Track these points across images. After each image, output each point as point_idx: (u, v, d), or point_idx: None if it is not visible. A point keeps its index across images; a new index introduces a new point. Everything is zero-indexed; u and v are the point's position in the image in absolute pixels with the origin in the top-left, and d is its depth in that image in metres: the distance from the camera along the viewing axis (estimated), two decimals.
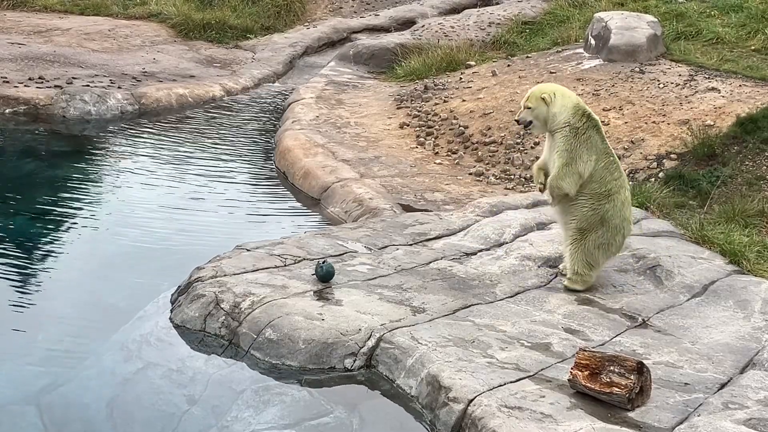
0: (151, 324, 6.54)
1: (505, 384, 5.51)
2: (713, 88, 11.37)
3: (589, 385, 5.38)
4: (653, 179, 9.80)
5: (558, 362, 5.86)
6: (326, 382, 5.84)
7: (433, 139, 11.52)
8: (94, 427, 5.78)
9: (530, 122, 6.99)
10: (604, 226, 6.89)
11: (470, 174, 10.45)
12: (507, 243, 7.81)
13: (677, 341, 6.32)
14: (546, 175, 6.99)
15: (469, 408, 5.30)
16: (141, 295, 7.17)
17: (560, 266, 7.30)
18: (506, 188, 10.03)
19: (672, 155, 10.15)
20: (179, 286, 6.83)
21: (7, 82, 12.64)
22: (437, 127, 11.82)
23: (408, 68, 14.91)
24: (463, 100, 12.37)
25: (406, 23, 18.36)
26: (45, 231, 8.66)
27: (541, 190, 7.11)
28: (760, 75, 11.78)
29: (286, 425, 5.46)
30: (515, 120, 7.17)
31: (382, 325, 6.13)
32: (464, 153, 11.09)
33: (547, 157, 7.02)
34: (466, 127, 11.57)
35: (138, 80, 13.66)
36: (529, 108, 6.92)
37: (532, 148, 10.78)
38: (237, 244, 7.48)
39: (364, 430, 5.45)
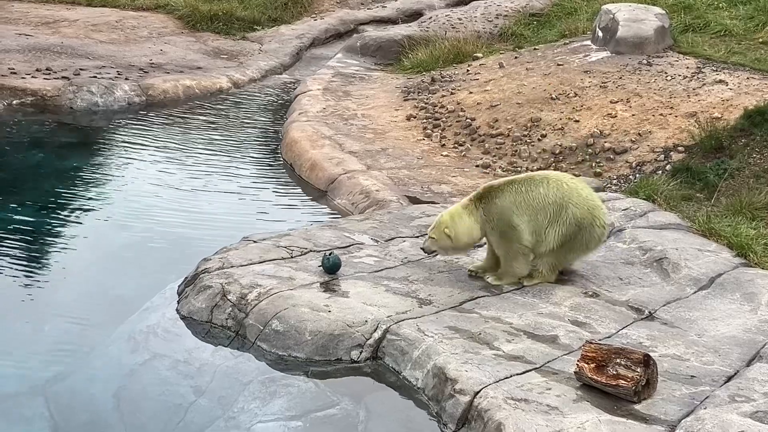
0: (158, 315, 6.56)
1: (511, 376, 5.51)
2: (721, 81, 11.34)
3: (595, 377, 5.38)
4: (660, 172, 9.78)
5: (564, 354, 5.86)
6: (332, 374, 5.85)
7: (440, 131, 11.52)
8: (101, 417, 5.80)
9: (435, 251, 6.94)
10: (581, 230, 6.83)
11: (477, 166, 10.44)
12: None
13: (684, 334, 6.31)
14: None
15: (475, 400, 5.30)
16: (148, 286, 7.19)
17: (470, 268, 7.18)
18: None
19: (679, 148, 10.13)
20: (186, 278, 6.85)
21: (15, 73, 12.65)
22: (444, 119, 11.81)
23: (415, 60, 14.89)
24: (470, 93, 12.35)
25: (414, 15, 18.35)
26: (52, 222, 8.68)
27: None
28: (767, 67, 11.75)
29: (293, 416, 5.47)
30: (421, 248, 7.02)
31: (388, 317, 6.13)
32: (471, 145, 11.08)
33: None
34: (473, 119, 11.56)
35: (145, 72, 13.67)
36: (433, 239, 6.84)
37: (539, 140, 10.76)
38: (244, 235, 7.49)
39: (370, 421, 5.46)
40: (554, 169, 9.66)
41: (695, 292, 6.99)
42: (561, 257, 6.93)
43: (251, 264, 6.80)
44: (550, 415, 5.11)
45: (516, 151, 10.72)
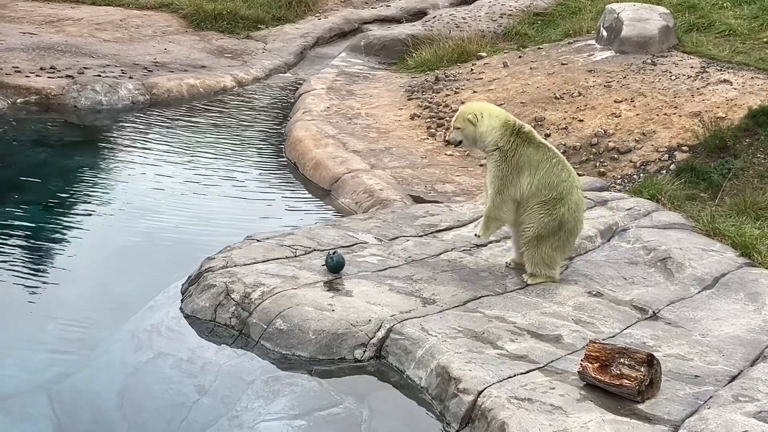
0: (162, 314, 6.56)
1: (515, 375, 5.51)
2: (725, 80, 11.33)
3: (599, 377, 5.38)
4: (664, 171, 9.77)
5: (568, 354, 5.85)
6: (336, 373, 5.85)
7: (444, 130, 11.50)
8: (104, 416, 5.80)
9: (460, 142, 6.99)
10: (561, 229, 6.85)
11: (481, 165, 10.41)
12: None
13: (688, 334, 6.31)
14: None
15: (478, 399, 5.30)
16: (151, 284, 7.19)
17: (506, 260, 7.27)
18: None
19: (683, 147, 10.13)
20: (190, 276, 6.84)
21: (19, 71, 12.66)
22: (448, 118, 11.78)
23: (419, 59, 14.89)
24: (474, 92, 12.35)
25: (418, 14, 18.36)
26: (56, 221, 8.68)
27: None
28: None
29: (296, 415, 5.46)
30: (445, 140, 7.12)
31: (392, 316, 6.13)
32: None
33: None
34: None
35: (149, 70, 13.67)
36: (458, 128, 6.91)
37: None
38: (247, 234, 7.49)
39: (374, 420, 5.46)
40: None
41: (699, 292, 6.99)
42: (548, 255, 6.90)
43: (255, 263, 6.80)
44: (554, 415, 5.11)
45: None
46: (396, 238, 7.63)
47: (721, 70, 11.74)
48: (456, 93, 12.50)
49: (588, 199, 8.37)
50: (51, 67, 13.01)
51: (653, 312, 6.62)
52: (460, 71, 13.50)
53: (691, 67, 11.91)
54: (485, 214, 7.00)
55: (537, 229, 6.83)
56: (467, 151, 7.58)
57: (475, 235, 7.17)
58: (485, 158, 7.20)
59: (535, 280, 6.95)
